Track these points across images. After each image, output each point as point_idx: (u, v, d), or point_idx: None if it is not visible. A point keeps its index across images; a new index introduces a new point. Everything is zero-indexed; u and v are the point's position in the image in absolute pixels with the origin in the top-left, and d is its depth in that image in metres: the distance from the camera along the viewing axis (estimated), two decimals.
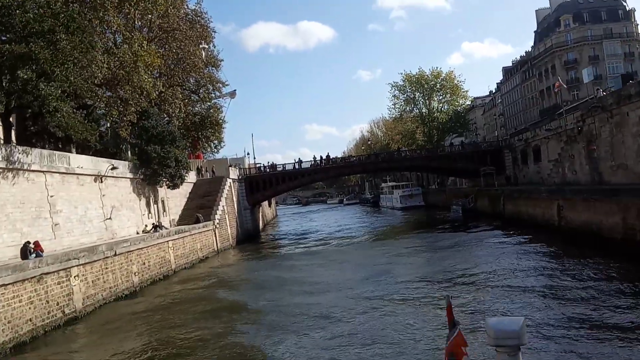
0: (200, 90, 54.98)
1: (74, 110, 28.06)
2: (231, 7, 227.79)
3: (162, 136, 39.85)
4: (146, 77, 33.01)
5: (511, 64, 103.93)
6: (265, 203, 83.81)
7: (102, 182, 32.78)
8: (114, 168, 33.38)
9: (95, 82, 30.58)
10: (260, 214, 71.07)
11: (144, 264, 28.83)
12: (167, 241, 32.91)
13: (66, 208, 28.02)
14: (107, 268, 24.58)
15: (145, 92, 34.11)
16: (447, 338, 4.70)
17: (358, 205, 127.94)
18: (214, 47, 53.50)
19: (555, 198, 31.60)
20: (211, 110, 54.63)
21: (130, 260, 27.26)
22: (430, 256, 32.82)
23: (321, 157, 62.27)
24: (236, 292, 26.86)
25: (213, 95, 55.31)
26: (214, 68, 55.21)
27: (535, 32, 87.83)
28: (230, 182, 52.80)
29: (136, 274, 27.66)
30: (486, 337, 4.17)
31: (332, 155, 64.03)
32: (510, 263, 26.57)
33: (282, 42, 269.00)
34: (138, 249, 28.21)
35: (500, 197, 44.67)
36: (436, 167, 65.49)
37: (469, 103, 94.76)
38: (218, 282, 30.09)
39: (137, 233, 36.12)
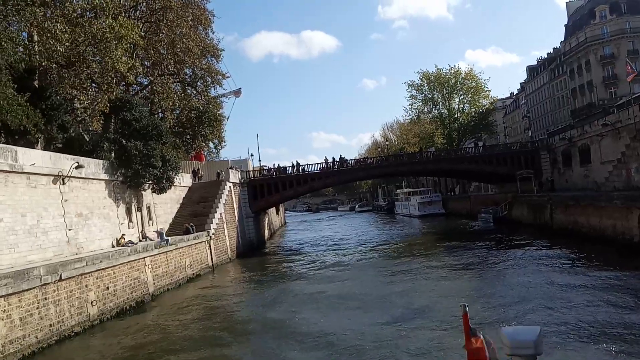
0: (198, 83, 48.71)
1: (15, 90, 21.71)
2: (234, 17, 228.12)
3: (145, 131, 33.53)
4: (120, 54, 26.60)
5: (536, 63, 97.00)
6: (273, 210, 77.28)
7: (63, 183, 26.36)
8: (79, 167, 26.96)
9: (56, 58, 24.38)
10: (266, 222, 64.52)
11: (107, 288, 22.33)
12: (144, 258, 26.40)
13: (8, 216, 21.63)
14: (46, 299, 18.11)
15: (119, 74, 27.69)
16: (469, 350, 4.49)
17: (371, 212, 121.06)
18: (213, 33, 47.13)
19: (637, 206, 24.64)
20: (210, 106, 48.24)
21: (86, 286, 20.79)
22: (473, 290, 25.26)
23: (333, 158, 55.64)
24: (225, 337, 20.20)
25: (212, 88, 49.02)
26: (213, 58, 48.94)
27: (565, 25, 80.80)
28: (230, 187, 46.37)
29: (94, 303, 21.17)
30: (501, 346, 3.96)
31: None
32: (605, 311, 17.82)
33: (285, 52, 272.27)
34: (99, 269, 21.72)
35: (547, 204, 37.73)
36: (464, 171, 58.48)
37: (492, 103, 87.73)
38: (205, 315, 23.43)
39: (113, 246, 29.75)
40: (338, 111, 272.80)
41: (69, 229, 26.33)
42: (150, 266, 26.96)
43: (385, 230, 67.51)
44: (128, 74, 28.00)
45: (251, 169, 60.65)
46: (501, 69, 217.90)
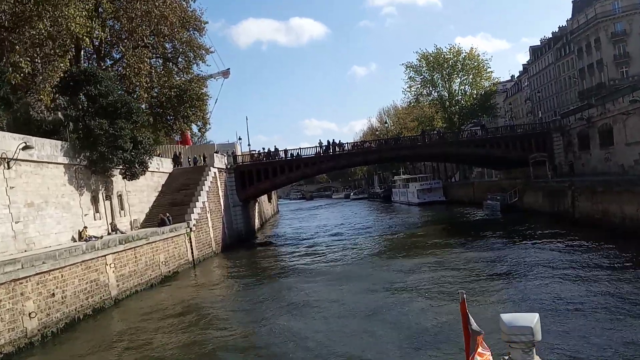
0: (179, 59, 44.24)
1: None
2: (221, 3, 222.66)
3: (113, 108, 29.16)
4: (74, 12, 22.09)
5: (540, 43, 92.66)
6: (264, 198, 73.06)
7: (8, 167, 22.11)
8: (27, 147, 22.63)
9: None
10: (257, 211, 60.33)
11: (53, 295, 18.12)
12: (104, 255, 22.16)
13: None
14: None
15: (73, 37, 23.20)
16: (465, 340, 4.38)
17: (367, 200, 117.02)
18: (194, 1, 42.58)
19: None
20: (192, 84, 43.77)
21: (22, 294, 16.57)
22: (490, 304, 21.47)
23: (329, 142, 51.26)
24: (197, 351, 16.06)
25: (195, 64, 44.56)
26: (196, 32, 44.42)
27: (573, 1, 76.49)
28: (215, 173, 42.09)
29: (34, 314, 16.97)
30: (500, 333, 3.94)
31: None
32: None
33: (274, 39, 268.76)
34: (40, 273, 17.48)
35: (568, 190, 33.64)
36: (470, 156, 54.20)
37: (494, 85, 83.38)
38: (176, 323, 19.30)
39: (75, 241, 25.55)
40: (329, 98, 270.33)
41: (16, 222, 22.14)
42: (113, 265, 22.74)
43: (383, 219, 63.45)
44: (85, 37, 23.48)
45: (240, 153, 56.26)
46: (492, 56, 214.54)
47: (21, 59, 21.64)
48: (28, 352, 16.31)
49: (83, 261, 20.30)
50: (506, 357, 4.04)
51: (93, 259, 21.14)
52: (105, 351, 16.57)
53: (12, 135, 22.97)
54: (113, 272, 22.66)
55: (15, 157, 22.37)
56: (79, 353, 16.45)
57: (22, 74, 22.61)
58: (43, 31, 21.67)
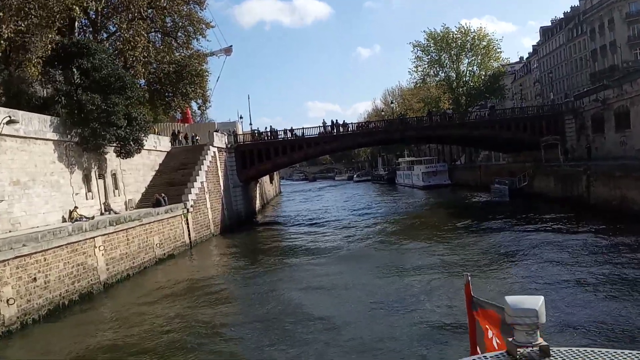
0: (178, 33, 42.48)
1: None
2: None
3: (106, 82, 27.66)
4: None
5: (550, 24, 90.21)
6: (266, 178, 71.72)
7: None
8: (11, 122, 21.21)
9: None
10: (258, 192, 59.01)
11: (34, 280, 16.86)
12: (93, 237, 20.88)
13: None
14: None
15: (63, 5, 21.64)
16: (470, 322, 4.31)
17: (370, 182, 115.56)
18: None
19: None
20: (192, 60, 42.13)
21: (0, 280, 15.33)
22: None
23: (332, 122, 49.65)
24: (189, 341, 14.84)
25: (195, 40, 42.81)
26: (196, 5, 42.67)
27: None
28: (214, 152, 40.66)
29: (12, 301, 15.72)
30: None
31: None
32: None
33: (277, 19, 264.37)
34: (19, 256, 16.20)
35: (583, 175, 32.15)
36: (478, 138, 52.49)
37: (503, 66, 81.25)
38: (168, 309, 18.11)
39: (65, 221, 24.27)
40: (333, 80, 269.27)
41: (0, 201, 20.81)
42: (102, 248, 21.47)
43: (386, 202, 62.14)
44: (74, 6, 21.91)
45: (241, 132, 54.76)
46: (502, 36, 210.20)
47: (2, 26, 20.06)
48: (4, 341, 15.12)
49: (69, 243, 19.02)
50: (510, 339, 3.68)
51: (80, 241, 19.86)
52: (89, 338, 15.40)
53: None
54: (102, 255, 21.40)
55: None
56: (60, 342, 15.31)
57: (6, 42, 21.06)
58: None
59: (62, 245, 18.58)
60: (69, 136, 26.38)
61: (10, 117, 21.41)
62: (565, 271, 18.99)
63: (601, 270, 18.62)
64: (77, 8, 23.42)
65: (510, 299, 3.83)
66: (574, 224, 29.01)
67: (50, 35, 22.89)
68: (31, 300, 16.65)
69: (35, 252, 17.02)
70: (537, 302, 3.75)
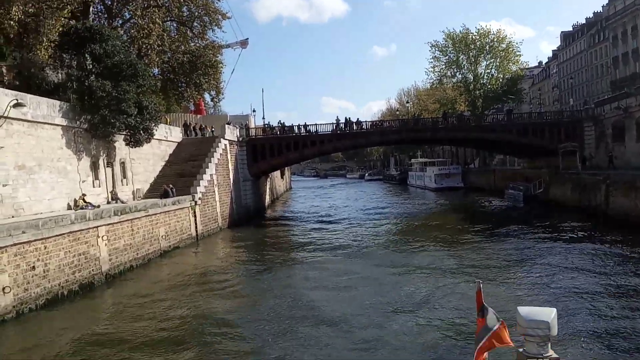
0: (194, 23, 41.97)
1: None
2: None
3: (118, 69, 27.20)
4: None
5: (572, 29, 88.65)
6: (277, 173, 71.20)
7: None
8: (18, 105, 20.78)
9: None
10: (268, 186, 58.53)
11: (33, 268, 16.41)
12: (96, 227, 20.41)
13: None
14: None
15: None
16: (478, 328, 4.38)
17: (381, 181, 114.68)
18: None
19: None
20: (207, 50, 41.64)
21: None
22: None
23: (346, 119, 48.99)
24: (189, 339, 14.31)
25: (210, 30, 42.23)
26: None
27: None
28: (226, 145, 40.15)
29: (9, 289, 15.27)
30: (516, 325, 3.94)
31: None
32: None
33: (295, 15, 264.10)
34: (17, 243, 15.74)
35: (602, 184, 31.18)
36: (494, 142, 51.46)
37: (522, 70, 79.93)
38: (168, 302, 17.60)
39: (70, 208, 23.86)
40: (348, 77, 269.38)
41: (4, 185, 20.44)
42: (105, 238, 21.01)
43: (399, 203, 61.22)
44: None
45: (253, 126, 54.22)
46: (522, 40, 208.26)
47: (12, 7, 19.58)
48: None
49: (71, 232, 18.56)
50: (520, 350, 3.95)
51: (83, 230, 19.40)
52: (84, 330, 14.94)
53: (3, 90, 21.13)
54: (105, 245, 20.93)
55: (5, 115, 20.59)
56: (53, 332, 14.82)
57: (16, 25, 20.60)
58: None
59: (63, 234, 18.13)
60: (78, 122, 25.96)
61: (17, 100, 21.00)
62: (579, 282, 18.27)
63: (618, 283, 17.94)
64: None
65: (522, 309, 4.04)
66: (592, 234, 28.07)
67: (62, 18, 22.38)
68: (29, 289, 16.19)
69: (35, 240, 16.57)
70: (549, 314, 3.92)
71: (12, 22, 20.17)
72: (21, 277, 15.89)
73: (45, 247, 17.08)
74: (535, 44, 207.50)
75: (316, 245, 29.58)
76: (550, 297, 16.52)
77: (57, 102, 24.71)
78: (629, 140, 38.81)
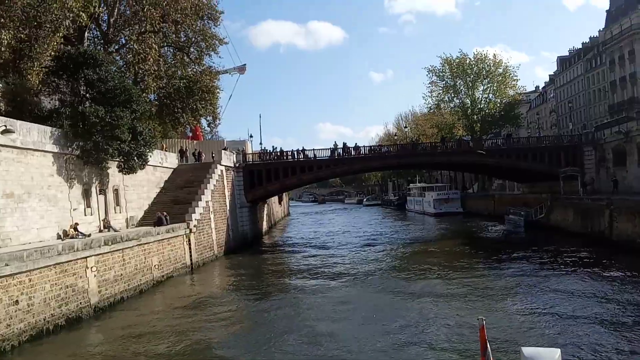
0: (191, 49, 41.78)
1: None
2: (241, 3, 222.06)
3: (112, 94, 26.75)
4: None
5: (568, 54, 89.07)
6: (275, 199, 70.53)
7: None
8: (7, 131, 20.23)
9: None
10: (265, 212, 57.79)
11: (16, 303, 15.60)
12: (85, 258, 19.63)
13: None
14: None
15: (68, 10, 20.74)
16: None
17: (380, 207, 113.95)
18: None
19: None
20: (204, 76, 41.39)
21: None
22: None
23: (344, 144, 48.58)
24: None
25: (207, 55, 42.03)
26: (210, 21, 42.02)
27: (607, 11, 73.10)
28: (222, 171, 39.58)
29: None
30: None
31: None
32: None
33: (292, 42, 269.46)
34: (1, 277, 14.96)
35: (605, 209, 30.58)
36: (494, 166, 50.99)
37: (519, 94, 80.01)
38: (161, 340, 16.72)
39: (60, 238, 23.08)
40: (345, 103, 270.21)
41: None
42: (95, 268, 20.21)
43: (397, 229, 60.32)
44: (82, 13, 21.03)
45: (250, 152, 53.74)
46: (520, 64, 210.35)
47: (2, 31, 19.15)
48: None
49: (57, 263, 17.77)
50: None
51: (70, 261, 18.60)
52: None
53: None
54: (95, 276, 20.13)
55: None
56: None
57: (8, 50, 20.15)
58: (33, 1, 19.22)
59: (49, 266, 17.35)
60: (69, 149, 25.35)
61: (6, 126, 20.46)
62: (585, 313, 17.57)
63: (625, 313, 17.27)
64: (83, 14, 22.51)
65: (526, 350, 3.98)
66: (597, 261, 27.29)
67: (54, 43, 21.96)
68: (11, 325, 15.35)
69: (20, 273, 15.80)
70: (553, 355, 3.84)
71: (1, 48, 19.71)
72: (3, 312, 15.07)
73: (30, 280, 16.29)
74: (530, 69, 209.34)
75: (314, 273, 28.85)
76: (554, 331, 15.82)
77: (49, 129, 24.15)
78: (630, 165, 38.35)
